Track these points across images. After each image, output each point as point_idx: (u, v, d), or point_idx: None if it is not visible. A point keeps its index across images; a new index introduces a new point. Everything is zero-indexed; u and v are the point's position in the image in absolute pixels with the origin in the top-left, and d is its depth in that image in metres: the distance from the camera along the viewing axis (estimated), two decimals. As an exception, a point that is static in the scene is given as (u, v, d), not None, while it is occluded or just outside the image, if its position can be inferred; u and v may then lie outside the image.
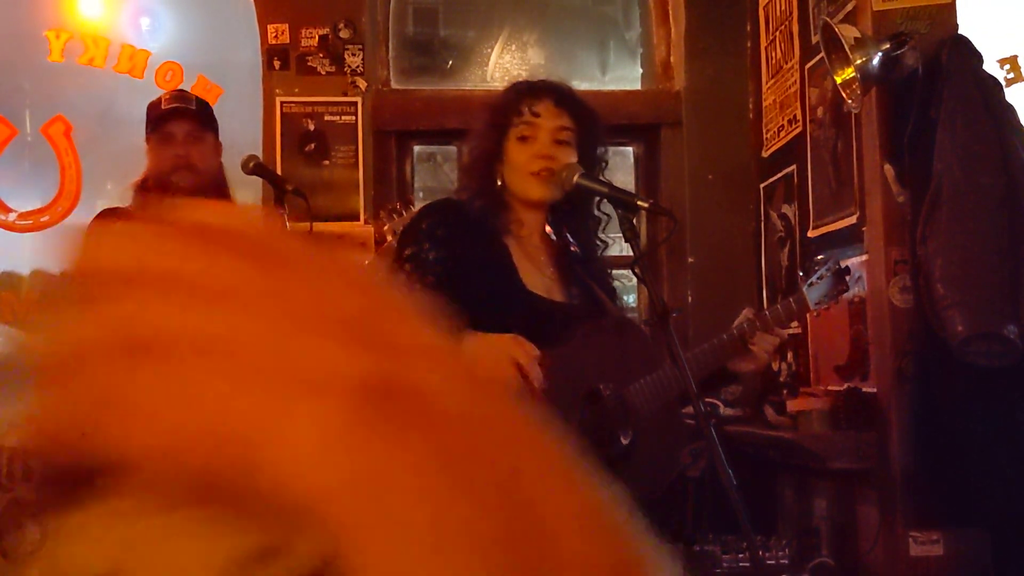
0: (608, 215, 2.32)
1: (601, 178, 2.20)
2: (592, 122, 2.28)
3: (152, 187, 2.90)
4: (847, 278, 2.44)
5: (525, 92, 2.24)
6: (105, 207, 3.00)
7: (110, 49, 4.85)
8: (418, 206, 3.28)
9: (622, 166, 5.26)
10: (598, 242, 2.35)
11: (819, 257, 2.50)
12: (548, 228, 2.32)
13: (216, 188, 2.98)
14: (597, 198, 2.25)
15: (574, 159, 2.22)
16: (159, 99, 3.00)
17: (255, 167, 2.64)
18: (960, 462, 2.95)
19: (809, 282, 2.37)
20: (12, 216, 4.85)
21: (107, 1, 4.90)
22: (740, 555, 3.26)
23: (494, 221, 2.19)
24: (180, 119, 2.91)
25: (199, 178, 2.91)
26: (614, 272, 2.54)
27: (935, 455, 3.03)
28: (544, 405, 1.93)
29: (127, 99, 4.80)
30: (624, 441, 2.11)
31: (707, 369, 2.22)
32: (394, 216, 3.23)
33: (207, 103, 3.02)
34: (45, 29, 4.82)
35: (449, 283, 2.10)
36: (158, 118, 2.90)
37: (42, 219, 4.86)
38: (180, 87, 3.27)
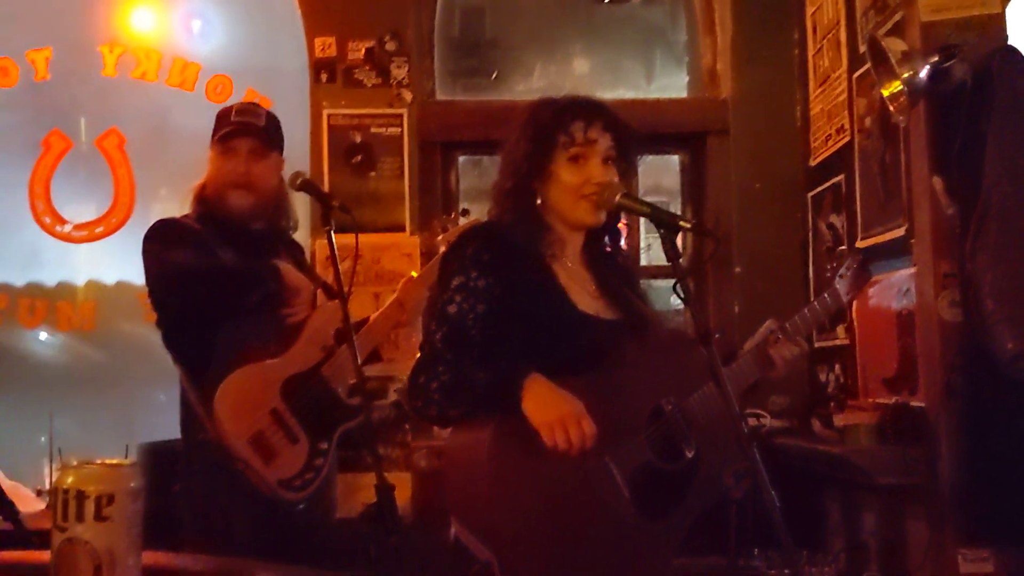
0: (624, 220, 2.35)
1: (641, 198, 2.20)
2: (631, 140, 2.28)
3: (210, 197, 2.94)
4: (868, 268, 2.51)
5: (578, 114, 2.22)
6: (160, 218, 3.01)
7: (162, 63, 4.94)
8: (463, 209, 3.30)
9: (668, 174, 5.25)
10: (626, 251, 2.38)
11: (841, 248, 2.54)
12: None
13: (275, 206, 3.00)
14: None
15: (616, 178, 2.22)
16: (229, 109, 3.00)
17: (302, 183, 2.65)
18: (1010, 479, 2.91)
19: (839, 274, 2.41)
20: (67, 227, 4.95)
21: (159, 14, 4.99)
22: (786, 570, 3.25)
23: (538, 245, 2.19)
24: (246, 135, 2.92)
25: (256, 197, 2.93)
26: (660, 285, 2.55)
27: (985, 472, 2.99)
28: (610, 429, 1.94)
29: (179, 112, 4.89)
30: (689, 454, 2.11)
31: (742, 387, 2.22)
32: (448, 227, 3.24)
33: (276, 119, 3.04)
34: (99, 44, 4.91)
35: (501, 311, 2.10)
36: (225, 130, 2.93)
37: (96, 230, 4.96)
38: (248, 101, 3.32)
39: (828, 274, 2.46)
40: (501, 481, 1.93)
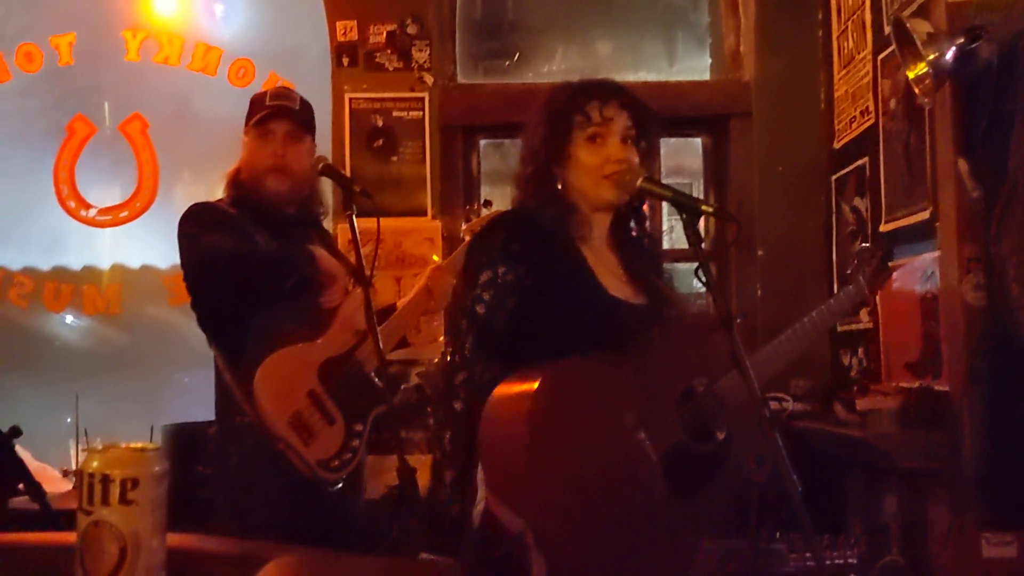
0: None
1: (663, 182, 2.20)
2: (649, 119, 2.28)
3: (245, 181, 2.95)
4: (888, 264, 2.51)
5: (593, 94, 2.22)
6: (195, 202, 3.01)
7: (184, 47, 4.96)
8: (484, 200, 3.31)
9: (690, 156, 5.23)
10: (652, 234, 2.38)
11: (864, 245, 2.54)
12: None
13: (308, 191, 3.00)
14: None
15: (637, 159, 2.22)
16: (264, 93, 3.01)
17: (324, 168, 2.66)
18: (1035, 464, 2.90)
19: (862, 269, 2.41)
20: (92, 212, 5.00)
21: (181, -1, 5.02)
22: (807, 553, 3.24)
23: (566, 228, 2.19)
24: (282, 118, 2.92)
25: (292, 182, 2.93)
26: (682, 268, 2.53)
27: (1008, 456, 2.98)
28: (642, 409, 1.95)
29: (201, 96, 4.93)
30: (720, 436, 2.12)
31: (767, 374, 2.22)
32: (471, 218, 3.26)
33: (309, 105, 3.04)
34: (122, 29, 4.94)
35: (531, 300, 2.11)
36: (261, 113, 2.93)
37: (121, 214, 5.00)
38: (281, 85, 3.29)
39: (850, 271, 2.46)
40: (539, 453, 1.94)
